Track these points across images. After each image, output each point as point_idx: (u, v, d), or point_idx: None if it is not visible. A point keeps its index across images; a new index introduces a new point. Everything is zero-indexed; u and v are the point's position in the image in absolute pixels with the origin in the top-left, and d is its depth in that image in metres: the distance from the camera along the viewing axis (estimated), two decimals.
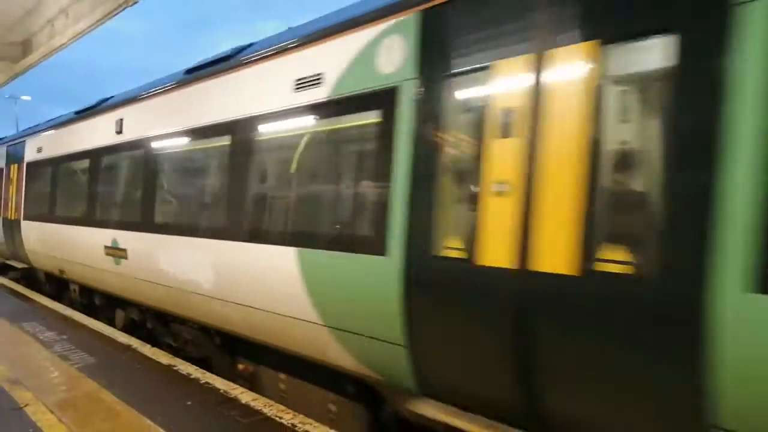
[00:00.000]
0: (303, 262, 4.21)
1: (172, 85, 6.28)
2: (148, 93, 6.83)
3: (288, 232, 4.49)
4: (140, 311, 7.34)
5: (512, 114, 3.05)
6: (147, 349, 6.26)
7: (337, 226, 4.07)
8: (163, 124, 6.36)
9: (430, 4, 3.52)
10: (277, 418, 4.18)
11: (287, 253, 4.33)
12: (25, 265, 11.42)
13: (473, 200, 3.22)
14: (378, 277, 3.62)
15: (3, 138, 13.10)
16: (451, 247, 3.29)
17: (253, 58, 5.08)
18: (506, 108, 3.09)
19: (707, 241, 2.28)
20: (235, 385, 4.97)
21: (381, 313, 3.61)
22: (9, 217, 11.75)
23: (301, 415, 4.24)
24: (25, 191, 10.82)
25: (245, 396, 4.67)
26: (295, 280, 4.23)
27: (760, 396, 2.18)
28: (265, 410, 4.34)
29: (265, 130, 4.86)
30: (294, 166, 4.60)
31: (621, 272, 2.57)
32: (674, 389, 2.41)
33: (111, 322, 7.99)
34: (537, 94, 2.94)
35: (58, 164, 9.38)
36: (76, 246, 8.28)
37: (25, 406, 4.46)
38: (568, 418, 2.85)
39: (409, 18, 3.64)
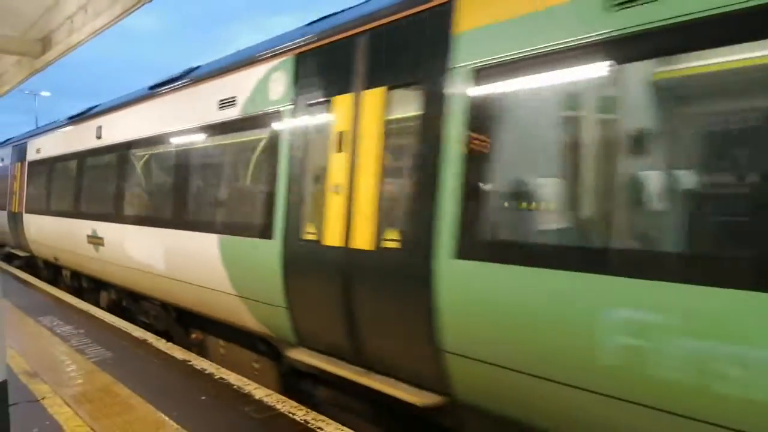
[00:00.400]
0: (222, 245, 5.42)
1: (138, 98, 7.61)
2: (120, 104, 8.20)
3: (212, 223, 5.69)
4: (117, 292, 8.57)
5: (342, 135, 4.26)
6: (162, 344, 6.31)
7: (243, 218, 5.35)
8: (130, 132, 7.66)
9: (301, 50, 4.74)
10: (290, 414, 4.19)
11: (212, 238, 5.54)
12: (27, 254, 12.58)
13: (322, 198, 4.40)
14: (268, 256, 4.76)
15: (11, 138, 14.37)
16: (309, 232, 4.50)
17: (193, 81, 6.32)
18: (338, 131, 4.30)
19: (432, 227, 3.49)
20: (249, 381, 4.99)
21: (271, 283, 4.72)
22: (13, 210, 12.97)
23: (314, 412, 4.25)
24: (27, 187, 12.17)
25: (259, 392, 4.69)
26: (217, 260, 5.43)
27: (466, 326, 3.33)
28: (278, 406, 4.36)
29: (200, 139, 6.09)
30: (215, 170, 6.03)
31: (392, 247, 3.80)
32: (420, 324, 3.54)
33: (97, 303, 9.14)
34: (354, 121, 4.17)
35: (52, 164, 10.76)
36: (66, 236, 9.51)
37: (43, 398, 4.52)
38: (374, 350, 4.01)
39: (288, 59, 4.87)
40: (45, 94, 40.51)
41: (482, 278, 3.23)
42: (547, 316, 2.89)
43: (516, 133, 3.32)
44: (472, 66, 3.36)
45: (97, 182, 8.79)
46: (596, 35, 2.77)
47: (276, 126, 4.93)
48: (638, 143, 2.75)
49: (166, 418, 4.13)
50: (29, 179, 12.16)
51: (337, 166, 4.26)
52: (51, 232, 10.41)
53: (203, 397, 4.60)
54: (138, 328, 7.15)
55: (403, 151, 3.90)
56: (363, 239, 3.98)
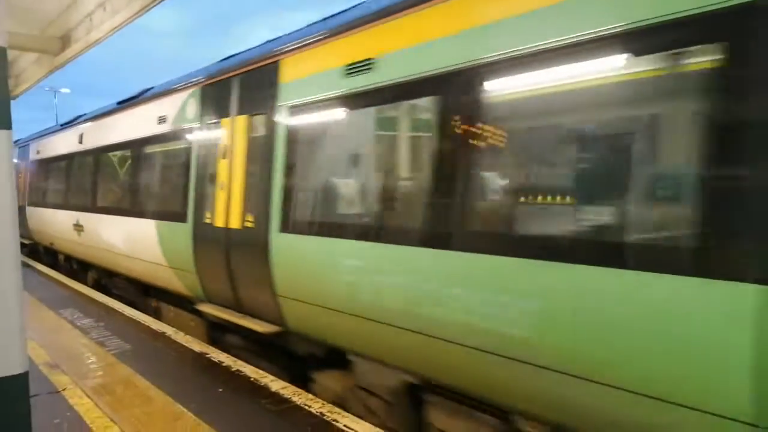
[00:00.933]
0: (158, 229, 7.12)
1: (108, 111, 9.53)
2: (97, 115, 10.09)
3: (152, 212, 7.40)
4: (97, 271, 10.35)
5: (225, 147, 5.95)
6: (180, 337, 6.38)
7: (170, 208, 6.94)
8: (101, 139, 9.54)
9: (204, 84, 6.46)
10: (306, 407, 4.21)
11: (152, 224, 7.28)
12: (31, 241, 14.43)
13: (214, 193, 6.04)
14: (183, 235, 6.49)
15: (18, 140, 16.26)
16: (207, 217, 6.12)
17: (144, 100, 8.09)
18: (223, 144, 5.99)
19: (269, 213, 5.06)
20: (265, 373, 5.03)
21: (186, 255, 6.43)
22: (18, 204, 14.24)
23: (329, 404, 4.27)
24: (28, 183, 14.19)
25: (275, 384, 4.72)
26: (155, 240, 7.14)
27: (287, 276, 4.85)
28: (294, 398, 4.38)
29: (146, 147, 7.81)
30: (156, 171, 7.69)
31: (250, 226, 5.37)
32: (265, 277, 5.07)
33: (85, 281, 10.82)
34: (231, 138, 5.85)
35: (48, 164, 12.74)
36: (58, 225, 11.33)
37: (63, 390, 4.60)
38: (244, 299, 5.62)
39: (197, 89, 6.59)
40: (65, 91, 41.02)
41: (293, 245, 4.84)
42: (326, 267, 4.43)
43: (307, 150, 4.95)
44: (288, 104, 5.06)
45: (79, 180, 10.63)
46: (340, 91, 4.45)
47: (189, 138, 6.67)
48: (366, 157, 4.63)
49: (185, 410, 4.18)
50: (30, 177, 14.22)
51: (222, 170, 5.98)
52: (47, 222, 12.28)
53: (220, 389, 4.64)
54: (156, 321, 7.24)
55: (257, 160, 5.46)
56: (235, 222, 5.64)
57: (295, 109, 4.96)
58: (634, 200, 2.69)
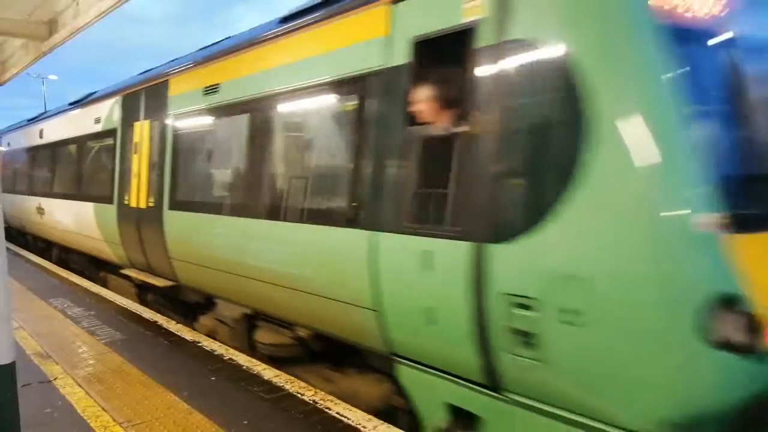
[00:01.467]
0: (95, 210, 8.77)
1: (63, 110, 11.37)
2: (54, 113, 12.20)
3: (91, 196, 9.06)
4: (58, 248, 12.00)
5: (135, 144, 7.55)
6: (172, 325, 6.36)
7: (101, 192, 8.57)
8: (55, 135, 11.37)
9: (124, 93, 8.13)
10: (299, 395, 4.22)
11: (90, 206, 8.96)
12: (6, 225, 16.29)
13: (130, 180, 7.62)
14: (110, 214, 8.08)
15: None
16: (126, 199, 7.69)
17: (87, 102, 9.88)
18: (134, 142, 7.60)
19: (163, 195, 6.68)
20: (258, 362, 5.03)
21: (112, 232, 8.05)
22: None
23: (322, 393, 4.28)
24: None
25: (267, 372, 4.72)
26: (93, 219, 8.81)
27: (175, 243, 6.46)
28: (287, 386, 4.39)
29: (87, 142, 9.62)
30: (93, 162, 9.39)
31: (152, 206, 6.87)
32: (161, 245, 6.65)
33: (50, 258, 12.31)
34: (140, 137, 7.44)
35: (15, 154, 14.83)
36: (26, 209, 12.82)
37: (55, 379, 4.58)
38: (151, 262, 7.18)
39: (120, 97, 8.28)
40: (53, 77, 40.52)
41: (177, 219, 6.40)
42: (196, 235, 6.06)
43: (183, 148, 6.57)
44: (173, 113, 6.71)
45: (40, 169, 12.48)
46: (201, 106, 6.04)
47: (115, 137, 8.28)
48: (214, 154, 6.19)
49: (177, 398, 4.17)
50: (2, 166, 16.09)
51: (134, 162, 7.58)
52: (17, 207, 13.67)
53: (213, 378, 4.64)
54: (148, 309, 7.22)
55: (155, 156, 7.01)
56: (142, 202, 7.23)
57: (177, 117, 6.65)
58: (324, 188, 4.59)
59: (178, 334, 5.98)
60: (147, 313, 6.93)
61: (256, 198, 5.15)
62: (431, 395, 3.62)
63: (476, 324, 3.09)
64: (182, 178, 6.52)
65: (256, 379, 4.59)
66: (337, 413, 3.88)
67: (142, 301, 7.88)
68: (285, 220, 4.74)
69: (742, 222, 2.52)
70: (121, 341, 5.70)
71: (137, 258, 7.53)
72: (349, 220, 3.99)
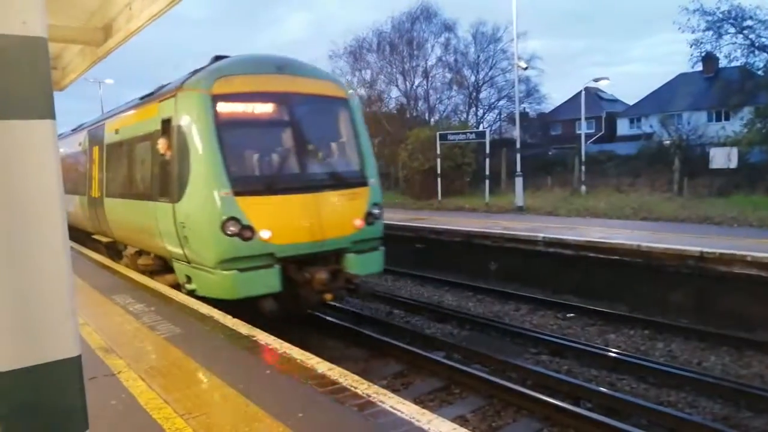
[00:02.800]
0: (81, 200, 13.05)
1: (69, 133, 16.34)
2: (62, 134, 17.21)
3: (80, 191, 13.14)
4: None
5: (93, 159, 12.40)
6: (228, 320, 6.49)
7: (83, 189, 12.89)
8: (62, 151, 16.08)
9: (89, 128, 13.42)
10: (353, 388, 4.22)
11: (83, 197, 12.86)
12: None
13: (93, 181, 12.20)
14: (85, 202, 12.79)
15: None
16: (91, 192, 12.18)
17: (77, 131, 15.24)
18: (93, 158, 12.34)
19: (102, 187, 11.46)
20: (311, 355, 5.07)
21: (86, 212, 12.84)
22: None
23: (375, 386, 4.27)
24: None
25: (321, 366, 4.75)
26: (81, 206, 13.11)
27: (109, 214, 11.02)
28: (341, 380, 4.40)
29: (77, 159, 14.04)
30: (79, 170, 13.62)
31: (99, 195, 11.56)
32: (104, 220, 11.40)
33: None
34: (98, 155, 11.98)
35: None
36: None
37: (119, 373, 4.74)
38: (105, 231, 11.66)
39: (87, 130, 13.33)
40: (109, 81, 42.02)
41: (108, 202, 10.79)
42: (114, 210, 10.60)
43: (107, 162, 11.10)
44: (106, 142, 11.26)
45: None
46: (113, 139, 10.81)
47: (86, 154, 12.66)
48: (117, 165, 10.73)
49: (234, 391, 4.25)
50: None
51: (93, 170, 11.91)
52: None
53: (268, 371, 4.71)
54: (204, 304, 7.40)
55: (100, 166, 11.44)
56: (96, 193, 11.52)
57: (107, 144, 11.19)
58: (142, 182, 9.23)
59: (234, 328, 6.10)
60: (204, 309, 7.10)
61: (128, 188, 9.84)
62: (180, 271, 8.23)
63: (178, 237, 7.68)
64: (109, 179, 10.97)
65: (310, 372, 4.62)
66: (391, 406, 3.87)
67: (110, 257, 11.73)
68: (135, 198, 9.40)
69: (238, 193, 7.12)
70: (180, 336, 5.85)
71: (97, 227, 12.03)
72: (151, 196, 8.49)
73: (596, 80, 25.28)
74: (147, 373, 4.71)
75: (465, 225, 14.66)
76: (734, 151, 19.64)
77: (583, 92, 25.82)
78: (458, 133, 22.48)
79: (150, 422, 3.76)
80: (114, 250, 11.37)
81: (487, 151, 21.09)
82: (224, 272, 7.11)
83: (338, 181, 7.91)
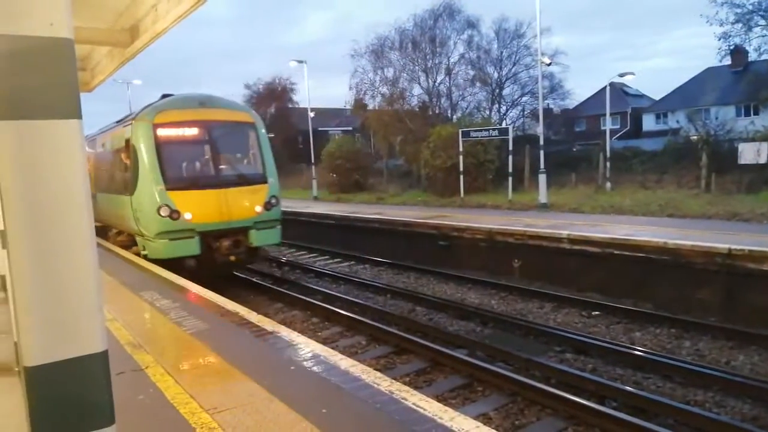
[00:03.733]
0: None
1: None
2: None
3: None
4: None
5: (90, 164, 14.68)
6: (253, 316, 6.57)
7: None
8: None
9: (88, 140, 17.29)
10: (375, 385, 4.25)
11: None
12: None
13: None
14: None
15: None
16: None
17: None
18: (89, 163, 14.70)
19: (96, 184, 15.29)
20: (334, 352, 5.11)
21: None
22: None
23: (398, 383, 4.29)
24: None
25: (344, 362, 4.79)
26: None
27: (100, 205, 14.26)
28: (364, 376, 4.44)
29: None
30: None
31: (93, 192, 13.79)
32: (96, 208, 14.10)
33: None
34: (90, 162, 16.43)
35: None
36: None
37: (146, 368, 4.84)
38: (101, 218, 14.39)
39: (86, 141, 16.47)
40: (137, 82, 42.67)
41: (100, 197, 14.13)
42: (103, 201, 13.85)
43: (99, 166, 14.83)
44: (97, 151, 15.12)
45: None
46: (99, 150, 15.39)
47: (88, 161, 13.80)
48: (102, 168, 14.65)
49: (259, 387, 4.31)
50: None
51: (90, 172, 13.92)
52: None
53: (292, 367, 4.76)
54: (230, 301, 7.50)
55: (94, 169, 15.04)
56: (93, 190, 13.56)
57: (98, 154, 14.73)
58: (116, 181, 12.78)
59: (259, 324, 6.18)
60: (230, 305, 7.20)
61: (109, 186, 13.16)
62: (139, 242, 11.54)
63: (135, 219, 11.37)
64: (98, 179, 14.10)
65: (334, 369, 4.66)
66: (414, 404, 3.88)
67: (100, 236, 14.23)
68: (113, 193, 12.59)
69: (170, 188, 10.83)
70: (206, 331, 5.95)
71: (94, 215, 17.22)
72: (121, 192, 11.97)
73: (621, 75, 24.94)
74: (174, 368, 4.80)
75: (487, 222, 14.59)
76: (764, 146, 19.16)
77: (608, 87, 25.46)
78: (481, 130, 22.36)
79: (177, 417, 3.84)
80: (104, 232, 14.83)
81: (510, 147, 20.94)
82: (161, 241, 10.81)
83: (243, 180, 11.57)
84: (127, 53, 11.05)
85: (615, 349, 7.79)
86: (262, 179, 11.74)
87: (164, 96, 12.16)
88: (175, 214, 10.66)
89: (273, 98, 48.59)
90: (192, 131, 11.59)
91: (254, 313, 6.77)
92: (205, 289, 8.35)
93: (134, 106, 43.10)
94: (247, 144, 12.19)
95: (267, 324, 6.20)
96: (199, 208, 10.87)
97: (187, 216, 10.75)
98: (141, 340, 5.70)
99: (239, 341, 5.61)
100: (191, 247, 10.81)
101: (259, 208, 11.43)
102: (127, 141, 11.45)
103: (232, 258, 11.33)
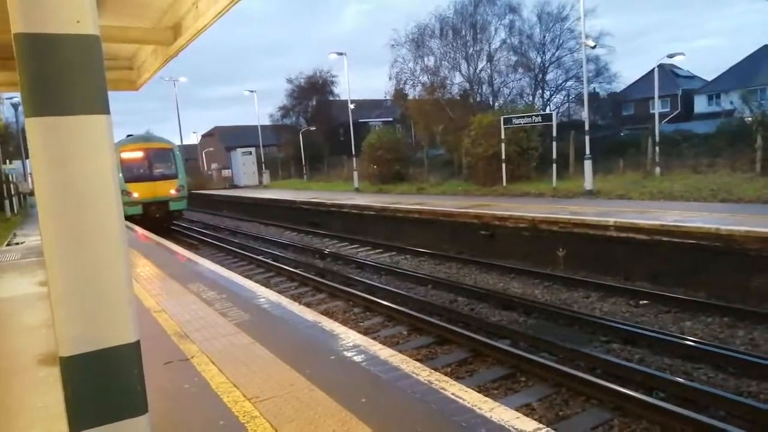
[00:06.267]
0: None
1: None
2: None
3: None
4: None
5: None
6: (295, 307, 6.67)
7: None
8: None
9: None
10: (414, 375, 4.25)
11: None
12: None
13: None
14: None
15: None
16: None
17: None
18: None
19: None
20: (373, 341, 5.14)
21: None
22: None
23: (437, 373, 4.28)
24: None
25: (383, 352, 4.81)
26: None
27: None
28: (403, 366, 4.44)
29: None
30: None
31: None
32: None
33: None
34: None
35: None
36: None
37: (192, 357, 4.97)
38: None
39: None
40: (183, 80, 43.71)
41: None
42: None
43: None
44: (119, 158, 22.60)
45: None
46: (120, 158, 23.56)
47: None
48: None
49: (299, 376, 4.37)
50: None
51: None
52: None
53: (332, 357, 4.81)
54: (273, 292, 7.62)
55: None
56: None
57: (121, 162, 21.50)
58: None
59: (300, 314, 6.26)
60: (273, 296, 7.32)
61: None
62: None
63: None
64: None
65: (374, 359, 4.69)
66: (453, 394, 3.87)
67: None
68: None
69: (127, 181, 21.28)
70: (249, 322, 6.07)
71: None
72: None
73: (670, 56, 24.03)
74: (218, 358, 4.91)
75: (531, 211, 14.36)
76: None
77: (656, 69, 24.60)
78: (523, 117, 21.97)
79: (220, 405, 3.93)
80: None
81: (554, 134, 20.52)
82: (129, 209, 19.54)
83: (165, 177, 21.96)
84: (170, 51, 11.27)
85: (664, 339, 7.57)
86: (175, 176, 22.41)
87: (128, 135, 23.44)
88: (129, 194, 20.73)
89: (314, 91, 48.98)
90: (138, 153, 22.05)
91: (296, 304, 6.86)
92: (249, 281, 8.52)
93: (181, 104, 44.76)
94: (168, 159, 22.65)
95: (309, 314, 6.28)
96: (141, 190, 21.26)
97: (135, 194, 20.99)
98: (188, 330, 5.86)
99: (281, 331, 5.70)
100: (137, 209, 20.96)
101: (173, 191, 22.15)
102: None
103: (157, 215, 21.74)
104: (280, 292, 9.06)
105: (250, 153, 45.52)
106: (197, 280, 8.65)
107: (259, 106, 69.12)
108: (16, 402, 4.35)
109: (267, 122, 51.53)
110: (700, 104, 45.16)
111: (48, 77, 1.38)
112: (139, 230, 17.54)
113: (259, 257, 15.74)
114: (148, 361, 4.93)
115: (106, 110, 1.47)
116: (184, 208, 23.24)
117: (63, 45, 1.37)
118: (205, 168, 54.55)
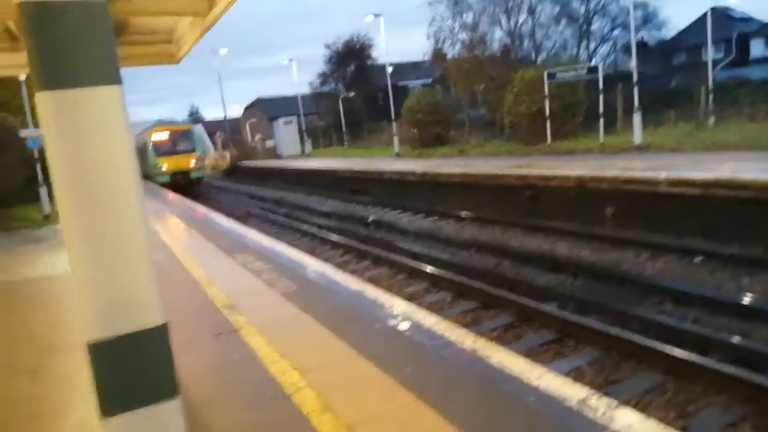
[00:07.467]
0: None
1: None
2: None
3: None
4: None
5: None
6: (339, 276, 6.72)
7: None
8: None
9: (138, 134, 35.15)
10: (459, 342, 4.23)
11: None
12: None
13: None
14: None
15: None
16: None
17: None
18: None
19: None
20: (417, 308, 5.13)
21: None
22: None
23: (481, 340, 4.25)
24: None
25: (428, 320, 4.80)
26: None
27: None
28: (447, 334, 4.43)
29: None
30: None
31: None
32: None
33: None
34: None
35: None
36: None
37: (240, 329, 5.08)
38: None
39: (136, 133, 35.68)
40: (223, 51, 43.96)
41: None
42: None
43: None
44: (147, 141, 31.49)
45: None
46: (149, 141, 32.17)
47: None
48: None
49: (345, 345, 4.42)
50: None
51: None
52: None
53: (377, 325, 4.83)
54: (318, 261, 7.70)
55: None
56: None
57: (151, 144, 29.75)
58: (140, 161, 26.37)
59: (344, 283, 6.31)
60: (318, 265, 7.39)
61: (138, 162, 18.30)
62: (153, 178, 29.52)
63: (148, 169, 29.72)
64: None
65: (417, 326, 4.69)
66: (498, 361, 3.83)
67: None
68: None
69: (158, 156, 29.57)
70: (295, 292, 6.15)
71: None
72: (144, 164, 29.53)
73: None
74: (265, 329, 5.01)
75: (577, 169, 13.97)
76: None
77: (709, 12, 23.26)
78: (567, 70, 21.23)
79: (267, 376, 4.01)
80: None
81: (600, 87, 19.77)
82: (160, 178, 28.32)
83: (187, 152, 29.68)
84: (207, 21, 11.25)
85: (719, 299, 7.32)
86: (193, 152, 29.79)
87: (157, 120, 30.78)
88: (160, 167, 28.27)
89: (352, 56, 48.50)
90: (165, 135, 29.31)
91: (341, 272, 6.91)
92: (295, 250, 8.62)
93: (222, 76, 46.69)
94: (187, 138, 29.94)
95: (353, 283, 6.32)
96: (169, 163, 28.36)
97: (164, 167, 28.24)
98: (236, 301, 5.99)
99: (326, 300, 5.76)
100: (166, 178, 27.91)
101: (192, 163, 29.36)
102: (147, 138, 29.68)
103: (182, 182, 27.90)
104: (324, 261, 9.13)
105: (291, 122, 45.72)
106: (245, 251, 8.81)
107: (298, 74, 68.91)
108: (67, 377, 4.55)
109: (307, 90, 51.53)
110: (757, 48, 42.63)
111: (54, 48, 1.34)
112: (194, 205, 18.21)
113: (304, 227, 15.92)
114: (201, 333, 5.07)
115: (118, 80, 1.42)
116: (202, 176, 31.12)
117: (67, 13, 1.32)
118: (250, 139, 55.13)
